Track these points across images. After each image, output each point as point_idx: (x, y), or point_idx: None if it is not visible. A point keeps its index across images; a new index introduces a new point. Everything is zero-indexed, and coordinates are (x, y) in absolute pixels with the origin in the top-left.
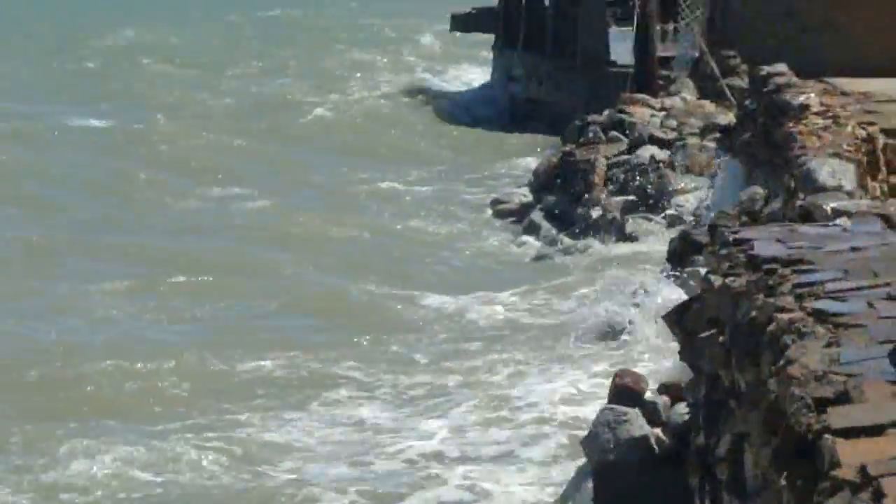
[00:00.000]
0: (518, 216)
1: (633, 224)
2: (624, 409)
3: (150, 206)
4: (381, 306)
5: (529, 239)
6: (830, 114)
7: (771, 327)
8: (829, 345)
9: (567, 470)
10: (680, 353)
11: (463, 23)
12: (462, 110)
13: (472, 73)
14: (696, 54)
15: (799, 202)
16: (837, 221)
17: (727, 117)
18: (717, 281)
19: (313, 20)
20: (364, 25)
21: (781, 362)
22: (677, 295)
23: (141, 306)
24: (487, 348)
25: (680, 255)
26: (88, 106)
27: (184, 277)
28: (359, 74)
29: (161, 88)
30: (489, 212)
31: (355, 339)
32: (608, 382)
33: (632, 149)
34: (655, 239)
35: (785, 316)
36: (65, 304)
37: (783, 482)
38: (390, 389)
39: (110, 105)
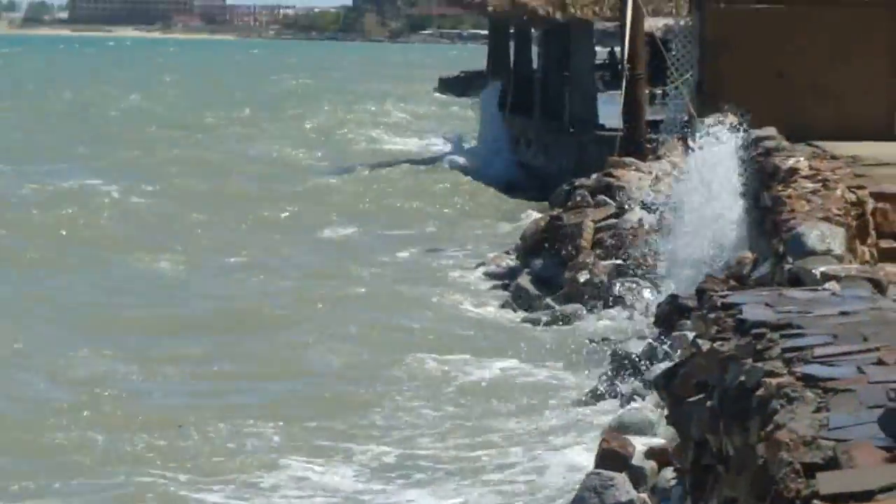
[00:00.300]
0: (505, 280)
1: (621, 288)
2: (610, 473)
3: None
4: (361, 370)
5: (516, 303)
6: (820, 177)
7: (759, 392)
8: (818, 410)
9: None
10: (667, 417)
11: (451, 86)
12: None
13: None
14: (685, 118)
15: (788, 266)
16: (826, 286)
17: None
18: (705, 345)
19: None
20: (355, 89)
21: (770, 427)
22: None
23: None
24: (474, 414)
25: (668, 319)
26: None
27: (166, 338)
28: (348, 134)
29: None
30: (476, 275)
31: (331, 402)
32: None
33: (620, 213)
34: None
35: (773, 380)
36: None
37: None
38: (367, 457)
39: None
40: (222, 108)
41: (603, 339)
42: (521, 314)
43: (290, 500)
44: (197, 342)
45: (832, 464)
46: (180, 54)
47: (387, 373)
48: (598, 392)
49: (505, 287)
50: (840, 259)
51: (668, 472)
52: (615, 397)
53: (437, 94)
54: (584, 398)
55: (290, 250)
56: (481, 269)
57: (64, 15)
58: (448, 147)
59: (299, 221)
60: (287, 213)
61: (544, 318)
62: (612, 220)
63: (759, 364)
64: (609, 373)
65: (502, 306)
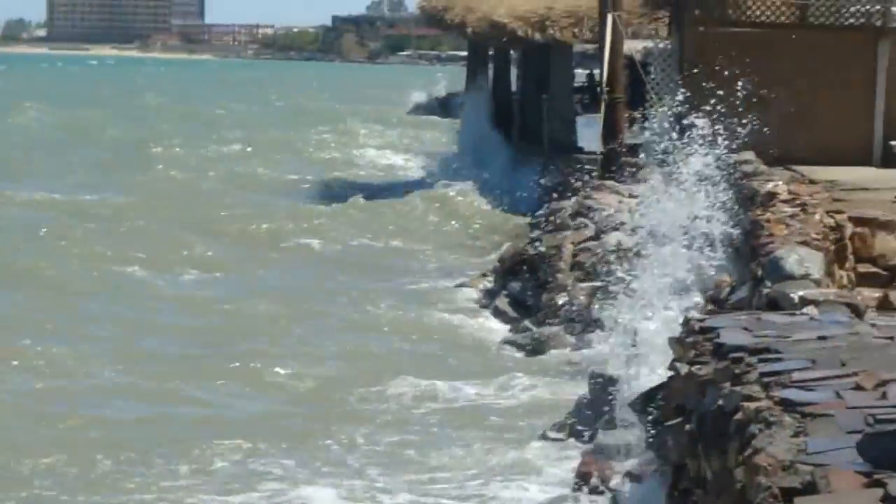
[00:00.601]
0: (483, 302)
1: (599, 311)
2: (589, 496)
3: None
4: (332, 392)
5: (494, 325)
6: (798, 202)
7: (738, 416)
8: (796, 434)
9: None
10: (646, 441)
11: (426, 108)
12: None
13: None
14: (664, 141)
15: (766, 290)
16: (805, 310)
17: None
18: (683, 369)
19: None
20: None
21: (748, 451)
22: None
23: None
24: (451, 439)
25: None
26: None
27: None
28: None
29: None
30: (454, 296)
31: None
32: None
33: (598, 235)
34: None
35: (752, 405)
36: None
37: None
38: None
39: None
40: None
41: (581, 362)
42: (501, 335)
43: None
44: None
45: (810, 488)
46: (165, 74)
47: (354, 396)
48: (570, 423)
49: (484, 307)
50: (818, 283)
51: None
52: (583, 433)
53: (412, 116)
54: (555, 427)
55: (266, 271)
56: (461, 291)
57: (42, 32)
58: (424, 164)
59: (276, 239)
60: (265, 231)
61: (522, 341)
62: (591, 243)
63: (738, 388)
64: (584, 400)
65: (480, 329)
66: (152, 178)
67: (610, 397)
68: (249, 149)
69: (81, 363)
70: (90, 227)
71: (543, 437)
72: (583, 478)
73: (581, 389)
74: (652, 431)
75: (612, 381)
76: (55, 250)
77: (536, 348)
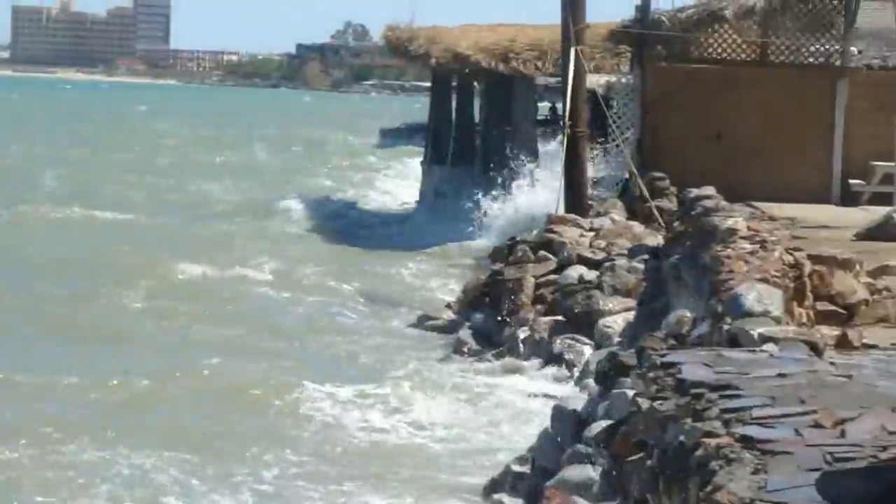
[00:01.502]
0: (446, 333)
1: (560, 345)
2: None
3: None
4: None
5: (456, 357)
6: (758, 238)
7: (698, 452)
8: (756, 471)
9: None
10: (607, 474)
11: (392, 137)
12: (386, 225)
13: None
14: (626, 175)
15: (726, 327)
16: (764, 347)
17: (656, 239)
18: (644, 404)
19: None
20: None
21: (709, 488)
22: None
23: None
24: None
25: (607, 376)
26: None
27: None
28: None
29: None
30: (416, 328)
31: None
32: None
33: (560, 269)
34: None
35: (712, 441)
36: None
37: None
38: None
39: None
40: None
41: (542, 396)
42: (460, 366)
43: None
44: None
45: None
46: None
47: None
48: (531, 456)
49: (446, 337)
50: (778, 321)
51: None
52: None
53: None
54: (518, 460)
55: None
56: (424, 322)
57: (5, 54)
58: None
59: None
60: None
61: (483, 372)
62: (553, 276)
63: (699, 424)
64: (547, 433)
65: (442, 360)
66: None
67: (573, 431)
68: None
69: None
70: None
71: (507, 471)
72: None
73: (543, 423)
74: (614, 466)
75: (574, 414)
76: None
77: (497, 379)
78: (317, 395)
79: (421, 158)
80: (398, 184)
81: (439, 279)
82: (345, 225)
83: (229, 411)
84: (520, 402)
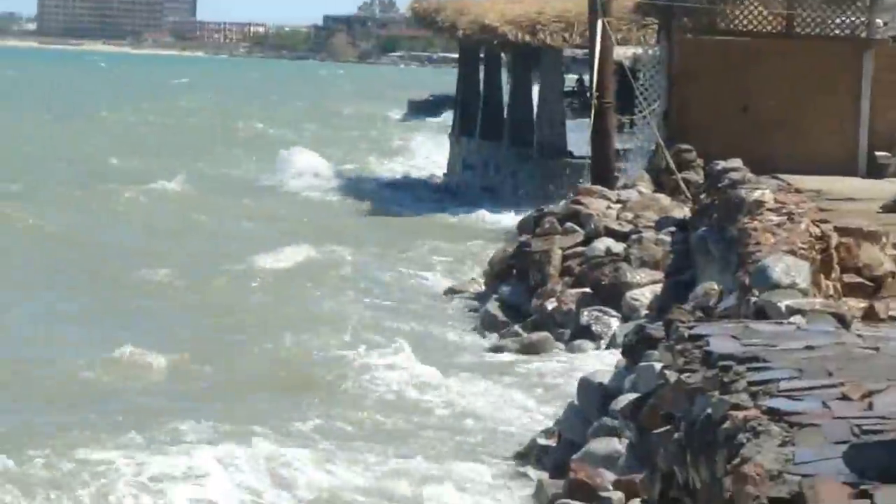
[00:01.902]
0: (473, 305)
1: (588, 317)
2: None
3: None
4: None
5: (484, 329)
6: (785, 210)
7: (726, 425)
8: (783, 444)
9: None
10: (635, 448)
11: (420, 109)
12: (420, 195)
13: (431, 160)
14: (653, 147)
15: (753, 299)
16: (792, 319)
17: (683, 211)
18: (672, 377)
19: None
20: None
21: (736, 461)
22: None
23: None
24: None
25: (635, 349)
26: None
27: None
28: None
29: None
30: (443, 299)
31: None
32: None
33: (587, 241)
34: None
35: (740, 414)
36: None
37: None
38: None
39: None
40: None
41: (568, 369)
42: (490, 341)
43: None
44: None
45: (798, 499)
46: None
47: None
48: (557, 429)
49: (473, 311)
50: (805, 293)
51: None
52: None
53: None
54: (542, 433)
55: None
56: (452, 295)
57: (31, 26)
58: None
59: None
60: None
61: (511, 346)
62: (581, 248)
63: (726, 397)
64: (574, 406)
65: (472, 330)
66: None
67: (599, 404)
68: None
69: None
70: None
71: (532, 444)
72: (573, 485)
73: (569, 395)
74: (641, 439)
75: (601, 387)
76: None
77: (525, 353)
78: (348, 360)
79: (449, 130)
80: (426, 156)
81: (466, 251)
82: (373, 195)
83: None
84: (547, 374)
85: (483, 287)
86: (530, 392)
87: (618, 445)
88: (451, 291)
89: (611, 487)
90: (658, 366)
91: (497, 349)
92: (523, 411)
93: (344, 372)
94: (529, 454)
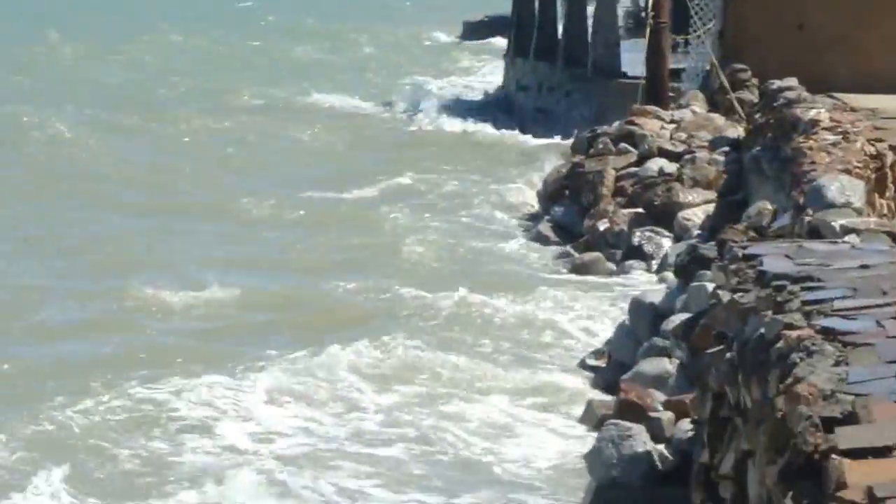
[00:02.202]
0: (526, 225)
1: (640, 237)
2: (628, 424)
3: None
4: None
5: (538, 247)
6: (840, 130)
7: (779, 345)
8: (837, 363)
9: None
10: (685, 368)
11: (475, 30)
12: (473, 117)
13: (485, 80)
14: (707, 67)
15: (807, 218)
16: (846, 239)
17: (737, 131)
18: (725, 296)
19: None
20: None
21: (789, 380)
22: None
23: None
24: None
25: (687, 269)
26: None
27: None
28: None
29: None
30: (498, 219)
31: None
32: None
33: (641, 161)
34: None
35: (793, 333)
36: None
37: (789, 502)
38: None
39: None
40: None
41: (619, 288)
42: (544, 259)
43: None
44: None
45: (851, 418)
46: None
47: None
48: (608, 350)
49: (526, 231)
50: (859, 212)
51: (686, 424)
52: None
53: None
54: (594, 354)
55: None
56: (506, 216)
57: None
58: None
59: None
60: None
61: (563, 266)
62: (634, 169)
63: (779, 316)
64: (624, 326)
65: (524, 251)
66: None
67: (650, 324)
68: None
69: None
70: None
71: (582, 364)
72: (623, 405)
73: (620, 316)
74: (692, 359)
75: (652, 307)
76: None
77: (577, 273)
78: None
79: (504, 52)
80: (480, 77)
81: (518, 172)
82: (427, 114)
83: None
84: (598, 294)
85: (536, 208)
86: (582, 312)
87: (668, 366)
88: (506, 211)
89: (661, 408)
90: (710, 286)
91: (549, 270)
92: (575, 329)
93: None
94: (578, 374)
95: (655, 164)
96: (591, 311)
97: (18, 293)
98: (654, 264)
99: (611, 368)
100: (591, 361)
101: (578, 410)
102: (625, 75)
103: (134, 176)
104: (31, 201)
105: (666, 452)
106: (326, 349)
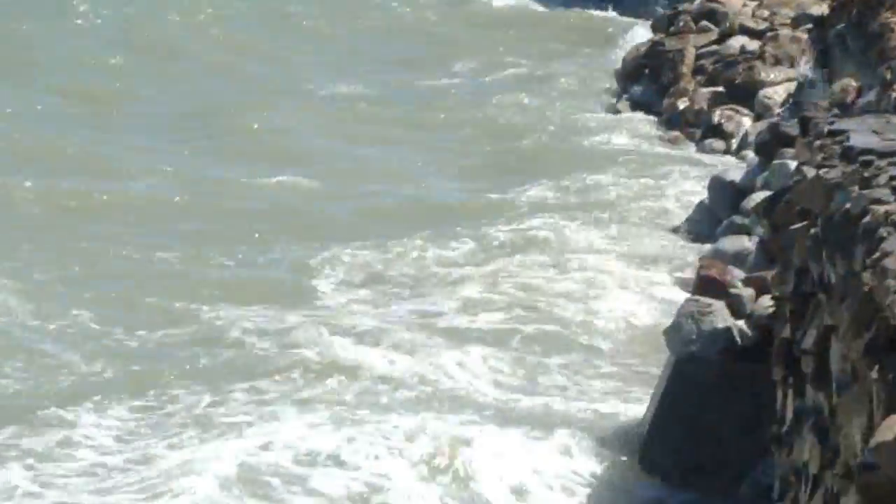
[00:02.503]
0: (606, 102)
1: (720, 116)
2: (708, 300)
3: None
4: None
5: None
6: None
7: (866, 219)
8: None
9: None
10: (765, 244)
11: None
12: None
13: None
14: None
15: (894, 94)
16: None
17: (820, 7)
18: (809, 172)
19: None
20: None
21: (877, 255)
22: None
23: None
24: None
25: (768, 147)
26: None
27: None
28: None
29: None
30: (579, 96)
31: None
32: None
33: (722, 39)
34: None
35: (881, 208)
36: None
37: (875, 375)
38: None
39: None
40: None
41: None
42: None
43: None
44: None
45: None
46: None
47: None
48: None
49: (609, 111)
50: None
51: (766, 300)
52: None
53: None
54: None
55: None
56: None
57: None
58: None
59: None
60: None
61: (643, 144)
62: (715, 47)
63: (866, 192)
64: (704, 204)
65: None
66: None
67: (730, 202)
68: None
69: None
70: None
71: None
72: (703, 281)
73: (700, 195)
74: (774, 236)
75: (732, 185)
76: None
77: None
78: None
79: None
80: None
81: (599, 52)
82: None
83: None
84: (677, 171)
85: (615, 86)
86: (659, 188)
87: (747, 243)
88: (589, 87)
89: (740, 284)
90: (793, 163)
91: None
92: (652, 201)
93: None
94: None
95: (737, 42)
96: (666, 188)
97: None
98: (734, 143)
99: None
100: None
101: None
102: None
103: None
104: None
105: (745, 328)
106: None
